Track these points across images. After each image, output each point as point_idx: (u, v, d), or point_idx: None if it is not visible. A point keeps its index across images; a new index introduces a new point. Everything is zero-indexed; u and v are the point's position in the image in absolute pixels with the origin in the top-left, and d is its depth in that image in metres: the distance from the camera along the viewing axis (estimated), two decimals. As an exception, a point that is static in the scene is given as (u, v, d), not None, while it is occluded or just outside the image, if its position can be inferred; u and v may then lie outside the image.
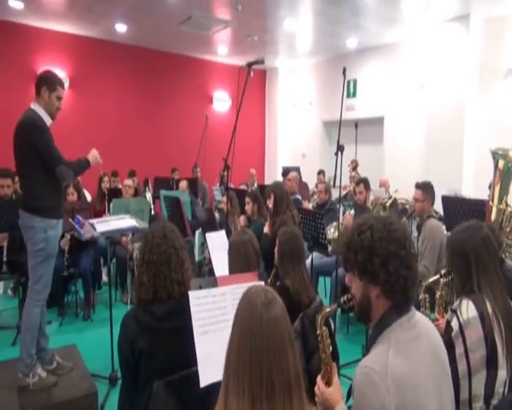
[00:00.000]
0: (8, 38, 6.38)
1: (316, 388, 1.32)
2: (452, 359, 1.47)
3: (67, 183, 4.16)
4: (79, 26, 6.66)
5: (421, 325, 1.21)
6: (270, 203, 3.62)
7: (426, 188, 3.33)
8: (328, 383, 1.32)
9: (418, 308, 1.58)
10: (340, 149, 3.22)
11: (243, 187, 6.67)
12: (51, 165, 2.50)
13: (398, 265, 1.14)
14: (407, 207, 5.50)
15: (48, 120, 2.56)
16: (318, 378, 1.34)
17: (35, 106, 2.54)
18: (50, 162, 2.49)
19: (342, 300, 1.29)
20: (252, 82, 3.04)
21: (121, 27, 6.62)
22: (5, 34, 6.35)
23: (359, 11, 5.75)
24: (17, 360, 2.65)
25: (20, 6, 5.72)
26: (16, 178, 4.30)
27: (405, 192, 5.67)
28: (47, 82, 2.57)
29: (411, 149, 6.89)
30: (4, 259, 3.75)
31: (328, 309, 1.34)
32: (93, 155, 2.77)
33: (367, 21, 6.17)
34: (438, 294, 1.87)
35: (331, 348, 1.36)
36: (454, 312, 1.59)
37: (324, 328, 1.34)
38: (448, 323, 1.60)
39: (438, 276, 1.84)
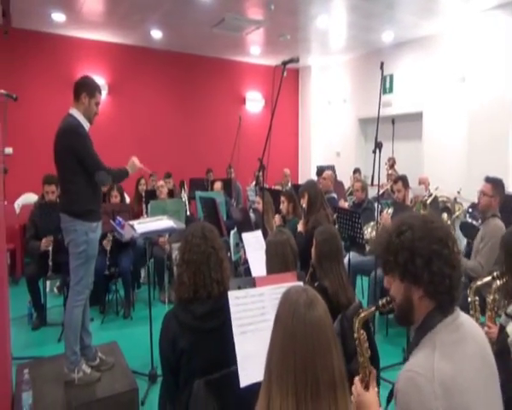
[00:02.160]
0: (51, 49, 6.70)
1: (353, 388, 1.29)
2: (507, 366, 1.38)
3: (106, 187, 4.32)
4: (116, 35, 6.89)
5: (466, 326, 1.15)
6: (303, 202, 3.59)
7: (497, 184, 3.13)
8: (367, 387, 1.29)
9: (467, 311, 1.50)
10: (379, 146, 3.13)
11: (278, 187, 6.65)
12: (90, 169, 2.57)
13: (441, 264, 1.09)
14: (448, 205, 5.29)
15: (86, 125, 2.63)
16: (356, 379, 1.31)
17: (74, 111, 2.61)
18: (90, 167, 2.56)
19: (381, 303, 1.25)
20: (285, 81, 3.01)
21: (156, 33, 6.78)
22: (48, 46, 6.67)
23: (394, 3, 5.58)
24: (63, 356, 2.77)
25: (62, 18, 5.99)
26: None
27: (446, 190, 5.46)
28: (87, 88, 2.63)
29: (452, 145, 6.60)
30: (50, 263, 3.91)
31: (365, 312, 1.30)
32: (131, 163, 2.82)
33: (403, 14, 5.97)
34: (490, 298, 1.76)
35: (370, 352, 1.33)
36: (510, 317, 1.50)
37: (362, 331, 1.30)
38: (502, 328, 1.51)
39: (490, 277, 1.73)
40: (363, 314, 1.29)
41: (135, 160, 2.84)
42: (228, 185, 6.45)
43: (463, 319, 1.17)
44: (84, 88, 2.63)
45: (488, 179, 3.19)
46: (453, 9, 5.82)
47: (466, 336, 1.12)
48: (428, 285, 1.10)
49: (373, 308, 1.29)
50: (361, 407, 1.25)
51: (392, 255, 1.14)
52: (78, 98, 2.62)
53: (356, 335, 1.30)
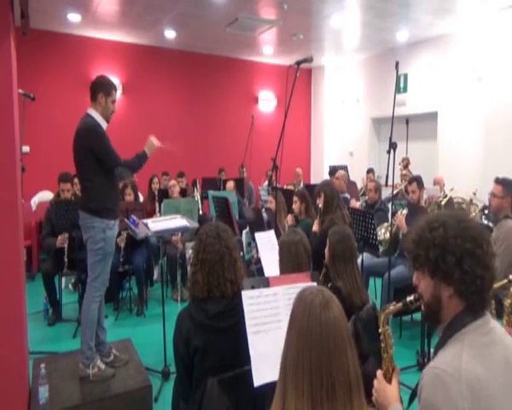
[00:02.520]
0: (66, 49, 6.81)
1: (375, 380, 1.28)
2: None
3: (127, 182, 4.37)
4: (131, 35, 6.96)
5: (497, 331, 1.12)
6: (320, 202, 3.56)
7: (507, 184, 3.09)
8: (389, 382, 1.28)
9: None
10: (393, 146, 3.11)
11: (290, 187, 6.64)
12: (110, 167, 2.62)
13: (474, 264, 1.07)
14: (464, 206, 5.21)
15: (104, 124, 2.68)
16: (380, 372, 1.29)
17: (92, 111, 2.65)
18: (109, 164, 2.61)
19: (409, 300, 1.22)
20: (297, 81, 3.01)
21: (170, 33, 6.83)
22: (64, 46, 6.78)
23: (409, 2, 5.51)
24: (78, 351, 2.82)
25: (77, 19, 6.08)
26: (75, 180, 4.59)
27: (461, 191, 5.38)
28: (103, 88, 2.67)
29: (468, 145, 6.50)
30: (65, 260, 3.98)
31: (391, 307, 1.28)
32: (149, 143, 2.78)
33: (418, 13, 5.90)
34: (508, 301, 1.74)
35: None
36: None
37: (387, 327, 1.29)
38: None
39: (506, 281, 1.71)
40: (389, 309, 1.28)
41: (153, 139, 2.79)
42: (240, 185, 6.47)
43: (495, 323, 1.15)
44: (100, 88, 2.67)
45: (498, 180, 3.15)
46: (469, 8, 5.73)
47: (496, 340, 1.10)
48: (459, 284, 1.08)
49: (400, 304, 1.27)
50: (381, 397, 1.24)
51: (424, 251, 1.13)
52: (95, 98, 2.66)
53: (381, 329, 1.28)
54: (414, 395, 1.18)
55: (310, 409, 0.99)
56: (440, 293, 1.12)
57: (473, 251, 1.08)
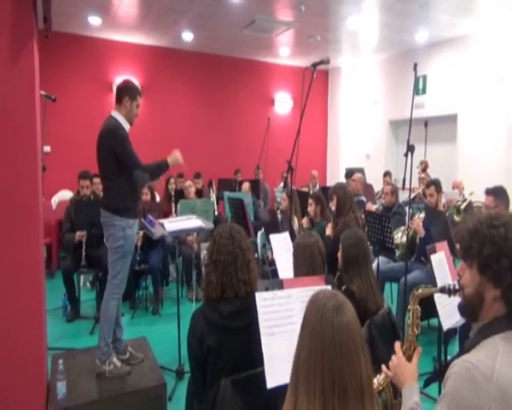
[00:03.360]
0: (86, 51, 6.95)
1: (393, 356, 1.27)
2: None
3: (144, 185, 4.44)
4: (149, 37, 7.06)
5: None
6: (332, 205, 3.55)
7: (497, 193, 3.07)
8: (409, 360, 1.28)
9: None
10: (411, 149, 3.06)
11: (305, 189, 6.62)
12: (129, 169, 2.67)
13: None
14: (483, 211, 5.10)
15: (127, 127, 2.73)
16: (398, 345, 1.28)
17: (116, 114, 2.71)
18: (129, 167, 2.67)
19: (447, 287, 1.20)
20: (314, 82, 3.00)
21: (188, 35, 6.90)
22: (85, 48, 6.93)
23: (429, 3, 5.43)
24: (95, 348, 2.87)
25: (98, 22, 6.21)
26: (94, 180, 4.69)
27: (481, 195, 5.27)
28: (129, 92, 2.73)
29: (489, 148, 6.35)
30: (83, 253, 4.07)
31: (425, 290, 1.27)
32: (173, 156, 2.84)
33: (437, 13, 5.81)
34: None
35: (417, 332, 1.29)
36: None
37: (417, 306, 1.27)
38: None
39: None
40: (422, 291, 1.26)
41: (178, 154, 2.85)
42: (256, 186, 6.48)
43: None
44: (127, 92, 2.73)
45: (488, 191, 3.11)
46: (490, 8, 5.61)
47: None
48: (508, 290, 1.06)
49: (437, 288, 1.25)
50: (398, 373, 1.23)
51: (478, 244, 1.10)
52: (120, 101, 2.72)
53: (410, 307, 1.27)
54: (432, 379, 1.16)
55: None
56: (485, 292, 1.10)
57: None
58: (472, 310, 1.14)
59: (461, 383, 1.01)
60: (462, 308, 1.18)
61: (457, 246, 1.20)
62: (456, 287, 1.17)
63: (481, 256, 1.09)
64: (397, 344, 1.27)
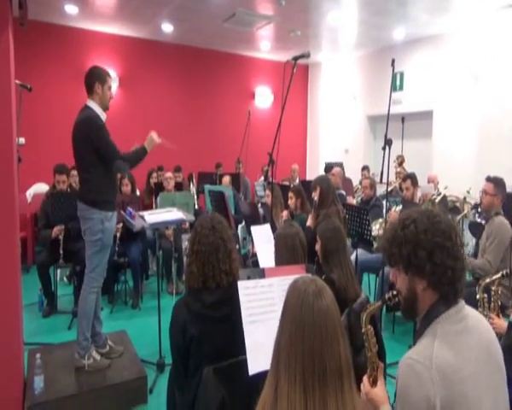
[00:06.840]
0: (63, 41, 6.76)
1: (362, 386, 1.32)
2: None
3: (124, 174, 4.36)
4: (128, 28, 6.93)
5: (470, 319, 1.18)
6: (315, 195, 3.58)
7: (498, 183, 3.18)
8: (375, 382, 1.31)
9: (476, 308, 1.51)
10: (388, 143, 3.14)
11: (285, 183, 6.66)
12: (108, 160, 2.63)
13: (444, 256, 1.12)
14: (457, 204, 5.27)
15: (103, 116, 2.68)
16: (365, 377, 1.33)
17: (91, 103, 2.66)
18: (107, 157, 2.62)
19: (387, 296, 1.27)
20: (294, 77, 3.02)
21: (167, 27, 6.80)
22: (61, 37, 6.73)
23: (407, 1, 5.54)
24: (73, 343, 2.83)
25: (74, 11, 6.04)
26: (71, 173, 4.59)
27: (455, 189, 5.44)
28: (97, 77, 2.67)
29: (462, 144, 6.56)
30: (61, 251, 3.98)
31: (372, 307, 1.33)
32: (149, 139, 2.79)
33: (415, 11, 5.93)
34: (493, 289, 1.78)
35: (377, 347, 1.35)
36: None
37: (369, 326, 1.33)
38: (510, 326, 1.52)
39: (499, 275, 1.75)
40: (370, 309, 1.32)
41: (154, 135, 2.80)
42: (236, 180, 6.48)
43: (468, 311, 1.19)
44: (95, 77, 2.67)
45: (489, 179, 3.23)
46: (466, 7, 5.77)
47: (469, 327, 1.15)
48: (431, 277, 1.13)
49: (379, 302, 1.31)
50: (370, 401, 1.27)
51: (397, 248, 1.18)
52: (91, 90, 2.67)
53: (363, 329, 1.32)
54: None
55: (301, 394, 1.02)
56: (415, 286, 1.17)
57: (443, 244, 1.13)
58: (410, 307, 1.21)
59: (407, 381, 1.08)
60: (404, 310, 1.25)
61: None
62: (395, 293, 1.24)
63: (402, 258, 1.17)
64: (364, 378, 1.32)
